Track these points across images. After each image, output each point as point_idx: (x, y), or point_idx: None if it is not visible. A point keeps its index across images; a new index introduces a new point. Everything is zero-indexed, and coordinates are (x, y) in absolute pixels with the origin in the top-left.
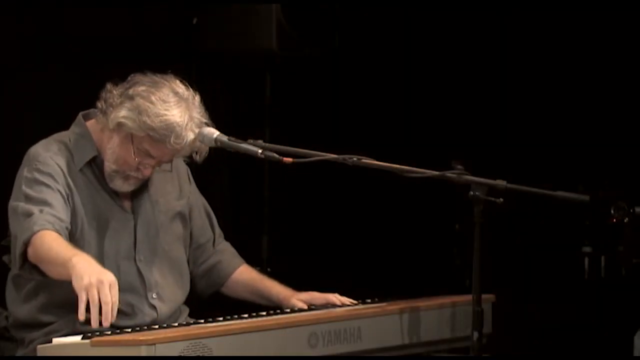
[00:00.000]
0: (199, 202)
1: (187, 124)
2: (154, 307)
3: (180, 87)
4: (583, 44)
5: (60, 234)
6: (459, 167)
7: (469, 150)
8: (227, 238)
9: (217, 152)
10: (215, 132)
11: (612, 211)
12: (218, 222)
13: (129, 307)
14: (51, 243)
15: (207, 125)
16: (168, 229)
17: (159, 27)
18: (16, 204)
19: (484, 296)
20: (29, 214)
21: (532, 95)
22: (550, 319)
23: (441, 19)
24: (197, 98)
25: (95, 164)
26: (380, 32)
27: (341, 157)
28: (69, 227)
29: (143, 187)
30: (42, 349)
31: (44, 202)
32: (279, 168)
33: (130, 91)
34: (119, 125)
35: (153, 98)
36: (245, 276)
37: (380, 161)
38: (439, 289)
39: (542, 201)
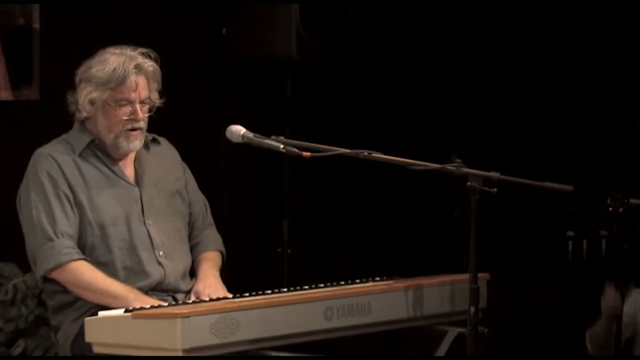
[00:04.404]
0: (197, 191)
1: (126, 59)
2: (161, 264)
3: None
4: (575, 37)
5: (85, 259)
6: (458, 160)
7: (466, 145)
8: (252, 223)
9: (243, 147)
10: (242, 130)
11: (608, 201)
12: (245, 209)
13: (141, 265)
14: (94, 275)
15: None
16: (170, 203)
17: (192, 37)
18: (29, 218)
19: (479, 275)
20: (49, 239)
21: (524, 93)
22: (538, 295)
23: (436, 20)
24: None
25: (94, 146)
26: (385, 41)
27: (353, 151)
28: (77, 234)
29: (143, 168)
30: (89, 321)
31: (56, 221)
32: (299, 161)
33: (77, 79)
34: (90, 103)
35: (91, 64)
36: (199, 260)
37: (388, 155)
38: (440, 268)
39: (531, 191)
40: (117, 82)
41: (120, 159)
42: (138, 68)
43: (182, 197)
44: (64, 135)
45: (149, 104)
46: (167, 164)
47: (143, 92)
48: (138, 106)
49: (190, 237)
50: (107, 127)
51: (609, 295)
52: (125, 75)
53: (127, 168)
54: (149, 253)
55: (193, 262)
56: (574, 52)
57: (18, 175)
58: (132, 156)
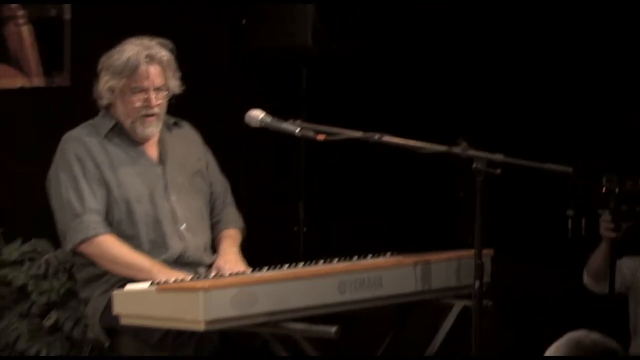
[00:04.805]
0: (217, 172)
1: (140, 49)
2: (182, 237)
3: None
4: (575, 22)
5: (111, 233)
6: (464, 143)
7: (471, 129)
8: (270, 204)
9: (262, 132)
10: (260, 114)
11: (604, 181)
12: (263, 190)
13: (164, 238)
14: (120, 249)
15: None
16: (191, 182)
17: (213, 28)
18: (58, 197)
19: (484, 251)
20: (77, 215)
21: (526, 82)
22: (539, 270)
23: (443, 10)
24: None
25: (118, 129)
26: (394, 30)
27: (366, 134)
28: (104, 210)
29: (166, 149)
30: (116, 295)
31: (84, 198)
32: (313, 144)
33: (99, 67)
34: (110, 90)
35: (111, 54)
36: (220, 237)
37: (399, 138)
38: (447, 245)
39: (533, 172)
40: (130, 71)
41: (143, 142)
42: (150, 57)
43: (203, 177)
44: (90, 121)
45: (164, 91)
46: (189, 145)
47: (157, 80)
48: (152, 94)
49: (211, 215)
50: (125, 113)
51: (605, 219)
52: (137, 65)
53: (151, 149)
54: (172, 227)
55: (214, 239)
56: (574, 37)
57: (49, 157)
58: (155, 138)
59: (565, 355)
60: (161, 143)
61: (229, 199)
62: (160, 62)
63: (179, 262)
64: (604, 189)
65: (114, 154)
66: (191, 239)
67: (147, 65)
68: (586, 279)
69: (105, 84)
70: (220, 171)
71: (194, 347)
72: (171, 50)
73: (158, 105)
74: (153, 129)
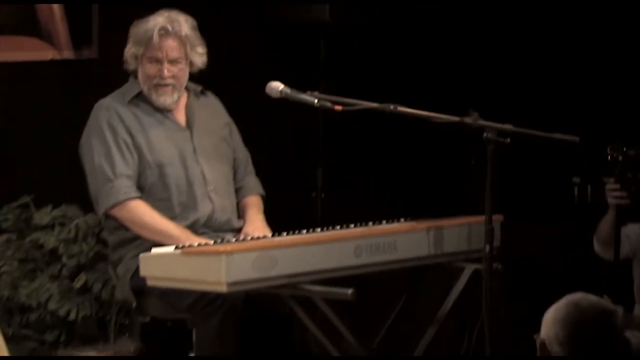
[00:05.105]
0: (240, 141)
1: (160, 22)
2: (210, 199)
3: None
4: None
5: (141, 198)
6: (475, 114)
7: (482, 100)
8: (290, 171)
9: (281, 102)
10: (280, 86)
11: (608, 150)
12: (283, 159)
13: (194, 200)
14: (150, 214)
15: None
16: (217, 147)
17: (235, 2)
18: (91, 163)
19: (494, 217)
20: (109, 180)
21: (534, 55)
22: (547, 235)
23: None
24: (190, 19)
25: (144, 95)
26: (408, 6)
27: (381, 105)
28: (136, 175)
29: (193, 114)
30: (143, 257)
31: (115, 164)
32: (331, 115)
33: (129, 34)
34: (133, 57)
35: (138, 23)
36: (244, 204)
37: (413, 109)
38: (459, 211)
39: (541, 141)
40: (146, 42)
41: (166, 110)
42: (165, 30)
43: (228, 143)
44: (120, 89)
45: (180, 64)
46: (214, 112)
47: (172, 53)
48: (165, 65)
49: (234, 180)
50: (142, 80)
51: (611, 186)
52: (151, 36)
53: (178, 114)
54: (202, 189)
55: (237, 204)
56: (580, 10)
57: (78, 126)
58: (183, 103)
59: (564, 317)
60: (189, 109)
61: (250, 167)
62: (177, 36)
63: (207, 225)
64: (609, 157)
65: (145, 120)
66: (219, 201)
67: (162, 37)
68: (596, 247)
69: (129, 50)
70: (242, 141)
71: (221, 316)
72: (192, 26)
73: (172, 76)
74: (166, 98)
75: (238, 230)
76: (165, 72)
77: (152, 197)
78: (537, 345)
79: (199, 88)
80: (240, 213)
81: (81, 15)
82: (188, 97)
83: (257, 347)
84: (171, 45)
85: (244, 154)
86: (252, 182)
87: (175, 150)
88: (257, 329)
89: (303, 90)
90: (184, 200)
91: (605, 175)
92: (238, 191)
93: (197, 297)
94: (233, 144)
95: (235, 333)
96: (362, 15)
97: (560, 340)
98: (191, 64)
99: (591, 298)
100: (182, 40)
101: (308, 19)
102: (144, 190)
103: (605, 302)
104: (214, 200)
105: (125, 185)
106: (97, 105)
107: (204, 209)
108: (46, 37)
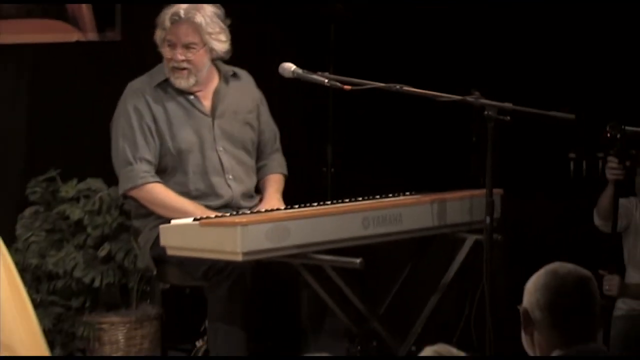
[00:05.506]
0: (269, 121)
1: (177, 8)
2: (229, 186)
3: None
4: None
5: (159, 181)
6: (477, 93)
7: (483, 80)
8: (301, 147)
9: (293, 82)
10: (292, 66)
11: (607, 128)
12: (295, 136)
13: (211, 188)
14: (167, 194)
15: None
16: (240, 132)
17: None
18: (116, 143)
19: (494, 190)
20: (129, 163)
21: (533, 35)
22: (544, 208)
23: None
24: (212, 9)
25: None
26: None
27: (388, 85)
28: (156, 160)
29: (219, 100)
30: (163, 228)
31: (136, 148)
32: (340, 94)
33: None
34: (159, 39)
35: (164, 8)
36: (264, 182)
37: (417, 89)
38: (461, 184)
39: (539, 119)
40: (163, 26)
41: (196, 92)
42: (177, 16)
43: (252, 127)
44: (152, 70)
45: (195, 49)
46: (242, 97)
47: (185, 38)
48: (178, 49)
49: (258, 159)
50: (165, 63)
51: (611, 162)
52: (164, 21)
53: (205, 100)
54: (220, 177)
55: (259, 181)
56: None
57: (103, 104)
58: (211, 88)
59: (544, 284)
60: (215, 95)
61: (277, 145)
62: (190, 22)
63: (223, 208)
64: (608, 135)
65: (170, 106)
66: (236, 188)
67: (174, 23)
68: (596, 220)
69: (156, 34)
70: (271, 118)
71: (230, 283)
72: (213, 15)
73: (186, 60)
74: (182, 81)
75: (250, 209)
76: (178, 56)
77: (171, 181)
78: (521, 315)
79: (230, 72)
80: (260, 188)
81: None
82: (219, 82)
83: (263, 313)
84: (184, 31)
85: (271, 133)
86: (276, 160)
87: (195, 137)
88: (263, 296)
89: (313, 71)
90: (201, 186)
91: (604, 152)
92: (260, 169)
93: (209, 266)
94: (259, 125)
95: (243, 299)
96: (370, 1)
97: (541, 306)
98: (212, 50)
99: (568, 266)
100: (196, 27)
101: (320, 5)
102: (165, 173)
103: (581, 268)
104: (232, 187)
105: (144, 169)
106: (128, 87)
107: (221, 196)
108: (72, 20)
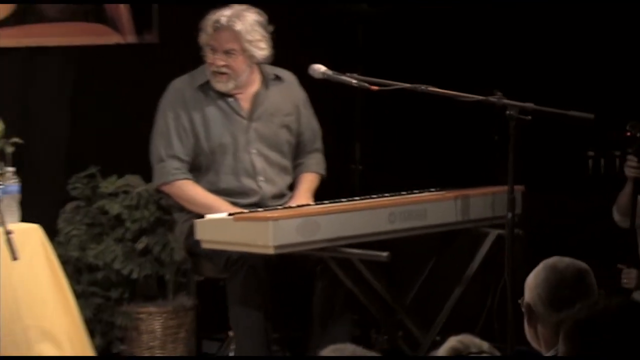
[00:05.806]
0: (310, 121)
1: (220, 15)
2: (260, 187)
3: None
4: None
5: (190, 178)
6: (499, 93)
7: (506, 81)
8: (331, 145)
9: (323, 83)
10: (322, 68)
11: (628, 127)
12: (325, 134)
13: (242, 188)
14: (196, 191)
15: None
16: (276, 135)
17: None
18: (153, 139)
19: (516, 187)
20: (161, 159)
21: (556, 36)
22: (564, 204)
23: None
24: (254, 16)
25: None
26: None
27: (414, 86)
28: (189, 157)
29: (258, 104)
30: (198, 222)
31: (170, 146)
32: (368, 94)
33: None
34: (203, 44)
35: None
36: (298, 180)
37: (443, 89)
38: (484, 181)
39: (559, 118)
40: (206, 31)
41: (236, 95)
42: (219, 24)
43: (290, 129)
44: (195, 70)
45: (235, 55)
46: (282, 100)
47: (225, 44)
48: (218, 55)
49: (296, 157)
50: (207, 66)
51: (631, 160)
52: (206, 27)
53: (244, 102)
54: (251, 178)
55: (295, 179)
56: None
57: (141, 104)
58: (251, 91)
59: (544, 278)
60: (255, 97)
61: (318, 144)
62: (230, 30)
63: (250, 208)
64: (628, 134)
65: (207, 108)
66: (267, 189)
67: (216, 30)
68: (616, 216)
69: (200, 38)
70: (314, 118)
71: (244, 274)
72: (254, 23)
73: (225, 66)
74: (221, 85)
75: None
76: (217, 62)
77: (204, 179)
78: (523, 309)
79: (272, 75)
80: (294, 185)
81: (143, 3)
82: (260, 85)
83: (279, 302)
84: (224, 38)
85: (311, 133)
86: (314, 159)
87: (229, 138)
88: (278, 287)
89: (342, 72)
90: (233, 187)
91: (616, 150)
92: (297, 167)
93: (227, 258)
94: (299, 127)
95: (258, 288)
96: (397, 2)
97: (543, 300)
98: (251, 57)
99: (566, 259)
100: (236, 34)
101: (348, 8)
102: (199, 172)
103: (579, 262)
104: (263, 189)
105: (174, 166)
106: (169, 86)
107: (251, 198)
108: (111, 23)
